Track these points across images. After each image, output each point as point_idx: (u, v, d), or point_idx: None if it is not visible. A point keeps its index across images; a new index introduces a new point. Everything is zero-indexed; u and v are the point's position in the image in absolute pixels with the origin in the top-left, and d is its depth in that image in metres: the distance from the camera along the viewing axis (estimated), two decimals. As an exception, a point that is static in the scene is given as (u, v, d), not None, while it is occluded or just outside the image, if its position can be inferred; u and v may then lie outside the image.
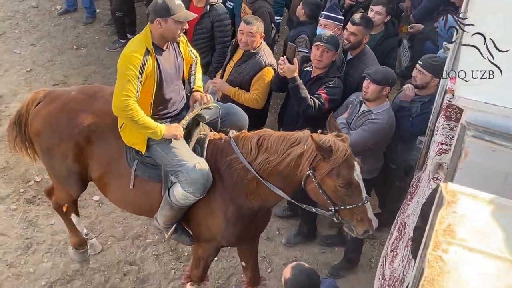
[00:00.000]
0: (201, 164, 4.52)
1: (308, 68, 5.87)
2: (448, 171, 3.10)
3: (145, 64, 4.34)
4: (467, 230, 2.50)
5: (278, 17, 7.27)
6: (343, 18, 6.30)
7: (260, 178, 4.46)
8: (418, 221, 4.14)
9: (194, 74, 4.93)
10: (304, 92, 5.50)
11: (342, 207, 4.28)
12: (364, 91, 5.33)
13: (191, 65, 4.94)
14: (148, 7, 4.49)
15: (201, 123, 4.86)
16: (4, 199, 6.62)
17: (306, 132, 4.36)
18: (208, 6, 6.42)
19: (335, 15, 6.19)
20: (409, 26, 6.80)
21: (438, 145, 4.72)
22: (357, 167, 4.23)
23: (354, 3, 6.92)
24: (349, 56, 6.04)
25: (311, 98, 5.53)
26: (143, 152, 4.65)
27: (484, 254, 2.43)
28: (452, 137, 4.75)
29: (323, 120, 5.31)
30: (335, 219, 4.38)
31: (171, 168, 4.58)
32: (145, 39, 4.42)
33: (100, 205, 6.58)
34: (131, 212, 5.33)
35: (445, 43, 5.34)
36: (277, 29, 7.37)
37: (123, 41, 8.96)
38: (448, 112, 4.91)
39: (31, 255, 6.04)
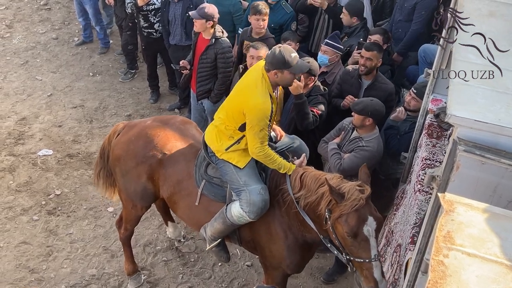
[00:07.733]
0: (264, 190, 4.40)
1: None
2: (441, 183, 3.00)
3: (272, 111, 4.26)
4: (465, 236, 2.41)
5: None
6: (342, 47, 6.18)
7: (299, 210, 4.29)
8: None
9: None
10: (308, 108, 5.37)
11: (352, 258, 3.99)
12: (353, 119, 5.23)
13: None
14: (265, 58, 4.35)
15: None
16: (27, 211, 6.49)
17: (336, 175, 4.16)
18: (214, 39, 6.35)
19: (335, 43, 6.09)
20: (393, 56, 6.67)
21: (422, 160, 4.64)
22: (370, 222, 3.86)
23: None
24: (365, 82, 5.79)
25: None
26: (242, 167, 4.43)
27: (482, 259, 2.33)
28: (435, 153, 4.67)
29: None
30: (349, 269, 4.08)
31: (236, 185, 4.44)
32: (267, 86, 4.27)
33: (114, 215, 6.42)
34: (196, 229, 5.05)
35: (427, 68, 5.24)
36: None
37: (133, 71, 8.96)
38: (430, 131, 4.85)
39: (52, 262, 5.92)
